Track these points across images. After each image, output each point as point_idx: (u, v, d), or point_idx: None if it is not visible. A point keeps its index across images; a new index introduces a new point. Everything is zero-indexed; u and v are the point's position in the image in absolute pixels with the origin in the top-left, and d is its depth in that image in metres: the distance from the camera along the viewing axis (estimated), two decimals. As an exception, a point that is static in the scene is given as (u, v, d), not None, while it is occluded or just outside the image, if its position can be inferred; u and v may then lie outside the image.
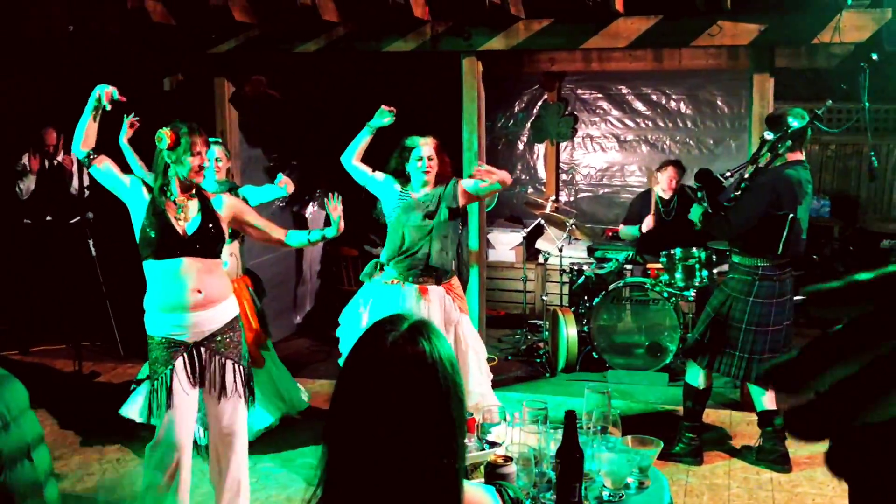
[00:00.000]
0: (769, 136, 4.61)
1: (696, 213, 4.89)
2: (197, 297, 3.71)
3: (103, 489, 4.75)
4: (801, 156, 4.71)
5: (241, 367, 3.86)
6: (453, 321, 4.84)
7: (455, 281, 4.96)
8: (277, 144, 7.54)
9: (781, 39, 5.63)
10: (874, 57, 4.75)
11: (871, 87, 4.70)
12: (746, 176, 4.74)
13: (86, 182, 7.14)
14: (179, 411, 3.76)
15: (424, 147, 4.73)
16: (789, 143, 4.60)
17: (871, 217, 8.46)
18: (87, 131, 3.84)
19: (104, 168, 3.83)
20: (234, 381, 3.85)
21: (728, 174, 4.79)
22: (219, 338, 3.80)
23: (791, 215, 4.59)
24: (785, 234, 4.61)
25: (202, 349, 3.78)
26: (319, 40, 6.20)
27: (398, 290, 4.80)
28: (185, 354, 3.76)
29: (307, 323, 8.22)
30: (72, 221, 7.22)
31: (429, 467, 1.49)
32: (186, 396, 3.78)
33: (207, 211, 3.79)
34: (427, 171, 4.72)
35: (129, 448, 5.21)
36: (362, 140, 4.85)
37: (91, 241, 6.99)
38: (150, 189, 3.79)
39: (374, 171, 4.91)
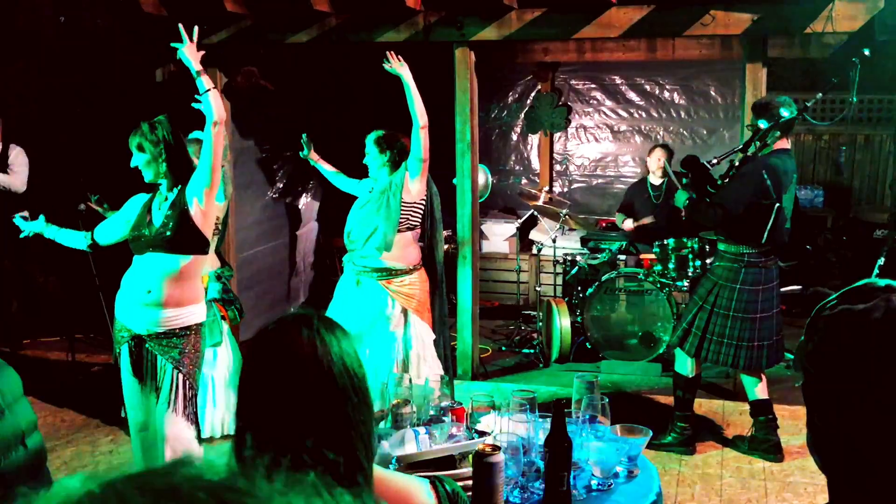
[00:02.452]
0: (763, 124, 4.60)
1: (680, 198, 4.89)
2: (146, 297, 3.78)
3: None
4: (787, 144, 4.73)
5: (181, 376, 3.81)
6: (390, 316, 4.88)
7: (403, 278, 4.92)
8: (270, 135, 7.52)
9: (774, 29, 5.62)
10: (866, 52, 4.73)
11: (862, 78, 4.68)
12: (736, 163, 4.74)
13: (11, 183, 6.75)
14: (127, 395, 3.95)
15: (367, 143, 4.96)
16: (778, 133, 4.61)
17: (863, 207, 8.47)
18: (69, 241, 4.21)
19: (107, 236, 4.10)
20: (171, 386, 3.81)
21: (715, 161, 4.78)
22: (164, 340, 3.80)
23: (777, 204, 4.60)
24: (770, 222, 4.62)
25: (145, 344, 3.82)
26: (311, 31, 6.18)
27: (348, 280, 5.06)
28: (130, 342, 3.86)
29: (301, 314, 8.20)
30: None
31: (321, 460, 1.48)
32: (132, 382, 3.89)
33: (176, 206, 3.80)
34: (367, 164, 4.96)
35: (121, 440, 5.21)
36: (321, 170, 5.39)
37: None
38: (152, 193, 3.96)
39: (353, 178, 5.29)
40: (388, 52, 4.71)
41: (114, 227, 4.07)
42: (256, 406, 1.53)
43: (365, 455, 1.53)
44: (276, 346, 1.55)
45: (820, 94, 4.76)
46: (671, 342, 5.14)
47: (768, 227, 4.62)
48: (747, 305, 4.74)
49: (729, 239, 4.81)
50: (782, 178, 4.61)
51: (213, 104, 3.77)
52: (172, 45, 3.84)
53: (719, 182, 4.70)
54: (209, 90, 3.79)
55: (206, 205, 3.79)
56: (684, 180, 4.88)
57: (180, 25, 3.84)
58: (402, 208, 4.78)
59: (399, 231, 4.78)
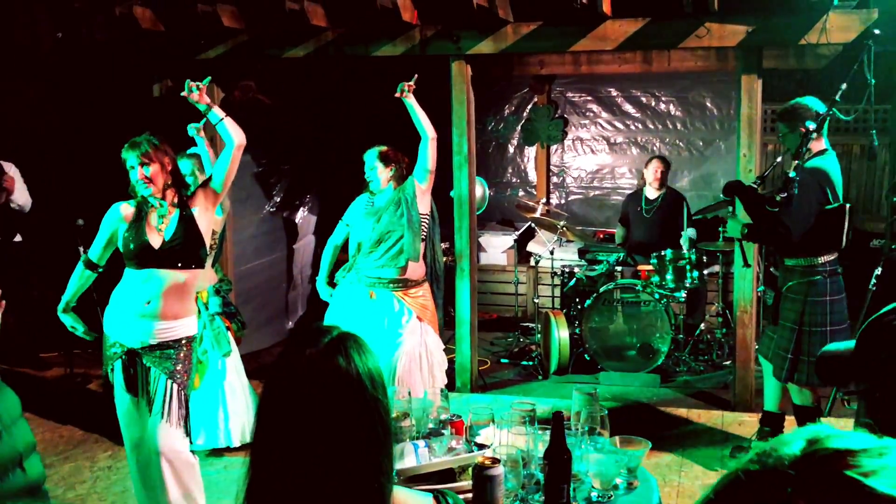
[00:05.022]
0: (811, 125, 4.38)
1: (734, 229, 4.59)
2: (143, 308, 3.78)
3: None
4: (823, 144, 4.56)
5: (175, 386, 3.80)
6: (404, 327, 4.89)
7: (417, 290, 4.97)
8: (267, 150, 7.53)
9: (769, 40, 5.65)
10: (877, 32, 4.67)
11: (857, 88, 4.67)
12: (791, 175, 4.32)
13: (27, 200, 6.69)
14: (121, 412, 3.91)
15: (367, 158, 4.97)
16: (815, 134, 4.42)
17: (861, 217, 8.48)
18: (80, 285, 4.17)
19: (101, 255, 4.03)
20: (164, 397, 3.79)
21: (759, 181, 4.57)
22: (158, 352, 3.80)
23: (848, 205, 4.42)
24: (846, 224, 4.41)
25: (138, 357, 3.81)
26: (308, 45, 6.20)
27: (356, 292, 5.05)
28: (123, 358, 3.83)
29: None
30: (15, 240, 6.77)
31: (349, 482, 1.48)
32: (126, 398, 3.86)
33: (184, 219, 3.81)
34: (370, 179, 4.96)
35: (119, 456, 5.19)
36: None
37: (82, 248, 6.95)
38: (140, 205, 3.87)
39: (347, 224, 5.19)
40: (404, 85, 4.83)
41: (103, 245, 3.98)
42: (280, 431, 1.51)
43: (388, 482, 1.54)
44: (310, 370, 1.52)
45: (844, 85, 4.50)
46: (780, 377, 4.70)
47: (845, 230, 4.41)
48: (841, 316, 4.51)
49: (798, 253, 4.51)
50: (835, 179, 4.43)
51: (230, 132, 3.83)
52: (182, 94, 3.89)
53: (777, 199, 4.30)
54: (223, 119, 3.84)
55: (213, 207, 3.92)
56: (730, 208, 4.66)
57: (188, 82, 3.86)
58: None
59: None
